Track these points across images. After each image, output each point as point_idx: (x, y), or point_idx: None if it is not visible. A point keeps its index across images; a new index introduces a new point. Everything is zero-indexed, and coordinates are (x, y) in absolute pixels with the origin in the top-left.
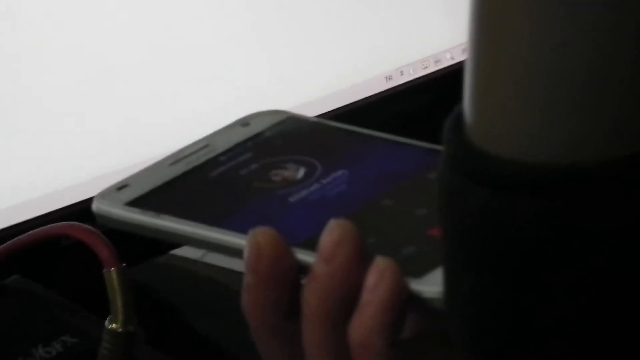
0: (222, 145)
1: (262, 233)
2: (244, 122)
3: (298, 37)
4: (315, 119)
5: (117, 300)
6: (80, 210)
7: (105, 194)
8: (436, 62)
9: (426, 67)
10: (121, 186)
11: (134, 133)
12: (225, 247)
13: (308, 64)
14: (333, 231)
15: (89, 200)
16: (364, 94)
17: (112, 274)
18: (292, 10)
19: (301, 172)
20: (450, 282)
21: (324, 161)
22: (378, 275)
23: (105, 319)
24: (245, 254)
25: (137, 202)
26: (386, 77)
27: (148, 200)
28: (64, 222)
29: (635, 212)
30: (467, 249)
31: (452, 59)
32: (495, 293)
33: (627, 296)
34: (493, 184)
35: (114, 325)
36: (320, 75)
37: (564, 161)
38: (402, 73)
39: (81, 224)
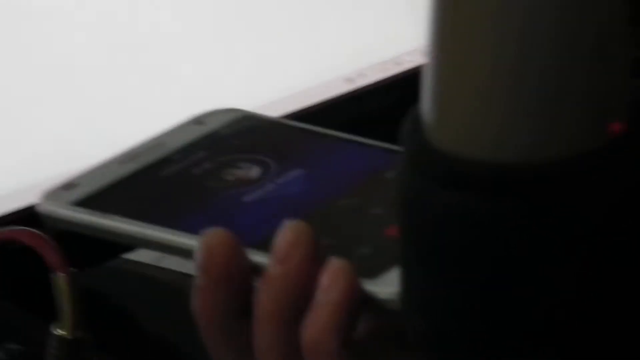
0: (174, 144)
1: (214, 234)
2: (198, 120)
3: (258, 36)
4: (272, 118)
5: (65, 304)
6: (27, 215)
7: (51, 194)
8: (397, 64)
9: (386, 69)
10: (68, 185)
11: (85, 135)
12: (177, 248)
13: (268, 64)
14: (287, 232)
15: (35, 205)
16: (324, 95)
17: (60, 279)
18: (252, 8)
19: (256, 172)
20: (408, 283)
21: (280, 160)
22: (332, 277)
23: (51, 324)
24: (197, 254)
25: (85, 202)
26: (346, 79)
27: (96, 200)
28: (11, 227)
29: (594, 208)
30: (427, 251)
31: (412, 61)
32: (456, 294)
33: (594, 292)
34: (454, 185)
35: (61, 331)
36: (280, 76)
37: (524, 161)
38: (362, 75)
39: (29, 229)
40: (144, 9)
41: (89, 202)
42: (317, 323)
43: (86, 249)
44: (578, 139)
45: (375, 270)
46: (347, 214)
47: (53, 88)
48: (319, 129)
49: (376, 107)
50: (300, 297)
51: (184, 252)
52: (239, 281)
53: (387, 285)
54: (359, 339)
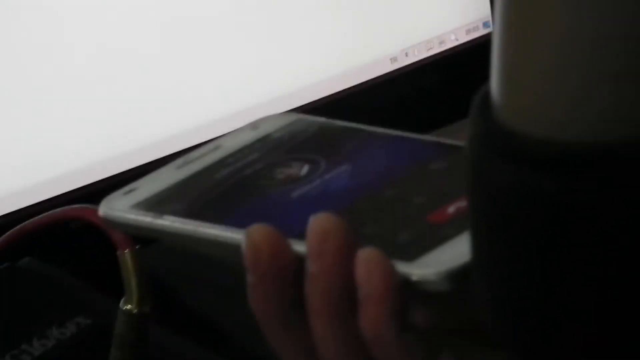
0: (229, 148)
1: (257, 230)
2: (253, 125)
3: (305, 18)
4: (322, 119)
5: (132, 281)
6: (89, 193)
7: (111, 198)
8: (440, 43)
9: (431, 48)
10: (128, 190)
11: (140, 118)
12: (226, 245)
13: (313, 45)
14: (316, 226)
15: (99, 183)
16: (369, 75)
17: (126, 256)
18: None
19: (305, 169)
20: (475, 254)
21: (327, 158)
22: (365, 269)
23: (118, 300)
24: (244, 252)
25: (142, 205)
26: (391, 59)
27: (152, 203)
28: (78, 205)
29: None
30: (495, 226)
31: (457, 40)
32: (522, 269)
33: None
34: (523, 162)
35: (128, 306)
36: (325, 57)
37: (594, 139)
38: (406, 54)
39: (94, 206)
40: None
41: (146, 205)
42: (369, 317)
43: None
44: None
45: (414, 254)
46: (390, 204)
47: (112, 75)
48: (366, 127)
49: (420, 86)
50: (345, 289)
51: (232, 248)
52: (288, 274)
53: (424, 267)
54: (419, 323)
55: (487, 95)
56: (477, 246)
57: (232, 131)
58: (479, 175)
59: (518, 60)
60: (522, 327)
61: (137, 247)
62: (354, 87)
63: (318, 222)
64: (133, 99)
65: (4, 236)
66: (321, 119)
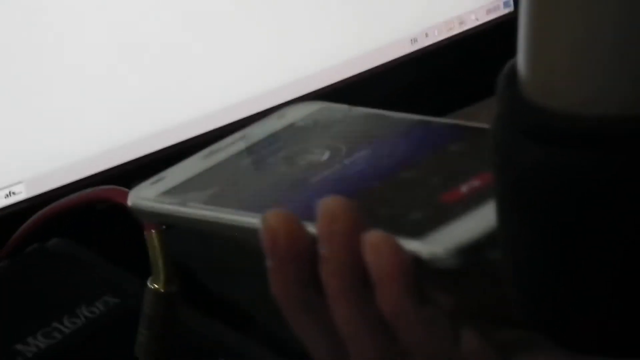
0: (255, 137)
1: (273, 214)
2: (280, 114)
3: (324, 0)
4: (346, 107)
5: (159, 261)
6: (116, 175)
7: (139, 188)
8: (460, 23)
9: (451, 28)
10: (155, 180)
11: (164, 101)
12: (247, 229)
13: (334, 27)
14: (325, 209)
15: (126, 165)
16: (390, 56)
17: (152, 236)
18: None
19: (326, 155)
20: (501, 230)
21: (348, 144)
22: (373, 252)
23: (144, 279)
24: (261, 238)
25: (168, 193)
26: (411, 40)
27: (179, 191)
28: (105, 186)
29: None
30: (521, 204)
31: (477, 20)
32: (551, 249)
33: None
34: (553, 139)
35: (156, 286)
36: (346, 38)
37: (621, 115)
38: (427, 35)
39: (122, 188)
40: None
41: (172, 193)
42: (385, 297)
43: None
44: None
45: (424, 232)
46: (405, 185)
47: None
48: (386, 112)
49: (441, 67)
50: (358, 269)
51: (256, 234)
52: (306, 257)
53: (434, 244)
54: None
55: (513, 72)
56: (504, 226)
57: (258, 121)
58: (506, 153)
59: (547, 34)
60: (547, 306)
61: (163, 227)
62: (374, 68)
63: (327, 204)
64: (158, 84)
65: (33, 217)
66: (345, 107)
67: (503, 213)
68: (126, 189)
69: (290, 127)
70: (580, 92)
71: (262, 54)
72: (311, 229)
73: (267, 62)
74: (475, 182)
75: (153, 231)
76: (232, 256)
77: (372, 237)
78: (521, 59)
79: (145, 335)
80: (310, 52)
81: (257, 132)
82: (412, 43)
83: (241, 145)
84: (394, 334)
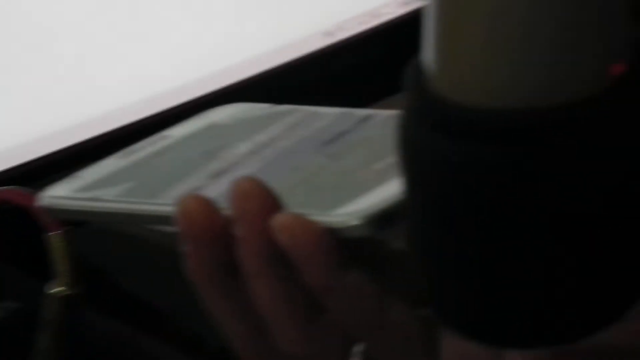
0: (175, 136)
1: (188, 199)
2: (202, 116)
3: None
4: (269, 105)
5: (60, 263)
6: (19, 174)
7: (53, 187)
8: (374, 17)
9: (366, 22)
10: (70, 179)
11: (70, 93)
12: (163, 218)
13: (246, 20)
14: (237, 188)
15: (29, 164)
16: (304, 50)
17: (53, 238)
18: None
19: (246, 149)
20: (411, 229)
21: (269, 138)
22: (286, 234)
23: (46, 283)
24: (177, 221)
25: (83, 190)
26: (325, 33)
27: (94, 187)
28: (3, 187)
29: (602, 155)
30: (432, 201)
31: (392, 12)
32: (462, 247)
33: (597, 243)
34: (458, 133)
35: (57, 290)
36: (260, 32)
37: (529, 107)
38: (341, 29)
39: (20, 188)
40: None
41: (87, 189)
42: (312, 275)
43: None
44: (581, 82)
45: (337, 205)
46: (323, 170)
47: (41, 49)
48: (305, 107)
49: (355, 61)
50: (275, 248)
51: (172, 221)
52: (222, 240)
53: (345, 215)
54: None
55: (419, 67)
56: (413, 223)
57: (180, 123)
58: (412, 147)
59: (454, 29)
60: (450, 299)
61: (66, 228)
62: (289, 62)
63: (239, 184)
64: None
65: None
66: (267, 105)
67: (411, 208)
68: (28, 190)
69: (212, 126)
70: (484, 85)
71: (173, 48)
72: (228, 212)
73: (178, 57)
74: (389, 159)
75: (55, 233)
76: (145, 256)
77: (281, 219)
78: (429, 53)
79: (44, 341)
80: (218, 47)
81: (177, 132)
82: (326, 37)
83: (161, 145)
84: (324, 307)
